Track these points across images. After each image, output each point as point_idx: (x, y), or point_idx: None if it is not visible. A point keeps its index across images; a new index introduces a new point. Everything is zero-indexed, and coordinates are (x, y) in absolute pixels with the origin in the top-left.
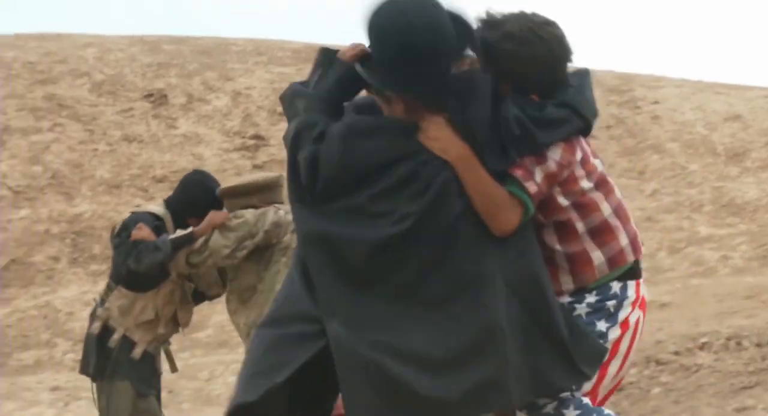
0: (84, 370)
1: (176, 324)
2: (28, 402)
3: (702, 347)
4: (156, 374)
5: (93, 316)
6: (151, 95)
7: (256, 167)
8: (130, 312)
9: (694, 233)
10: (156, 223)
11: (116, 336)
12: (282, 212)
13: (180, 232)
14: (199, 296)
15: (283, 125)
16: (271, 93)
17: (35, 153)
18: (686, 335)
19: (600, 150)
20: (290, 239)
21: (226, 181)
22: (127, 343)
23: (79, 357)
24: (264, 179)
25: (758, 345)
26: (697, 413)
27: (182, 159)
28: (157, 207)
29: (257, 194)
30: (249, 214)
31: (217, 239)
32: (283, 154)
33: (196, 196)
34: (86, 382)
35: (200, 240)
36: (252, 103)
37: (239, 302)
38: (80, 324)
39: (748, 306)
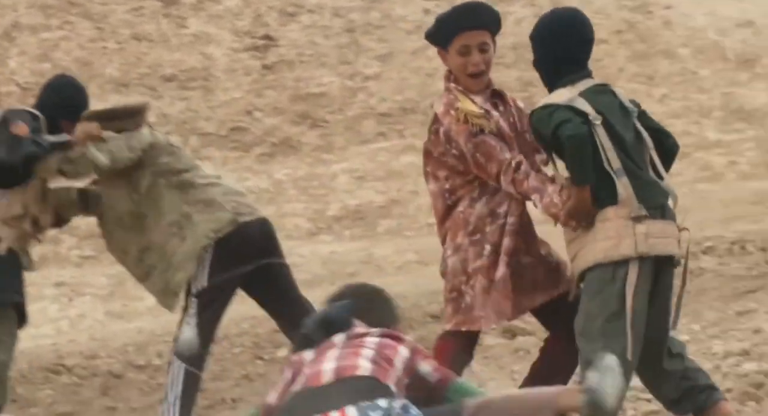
0: None
1: (40, 226)
2: (32, 297)
3: (706, 251)
4: (20, 276)
5: None
6: None
7: (266, 67)
8: None
9: (703, 139)
10: (34, 124)
11: None
12: (158, 133)
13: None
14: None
15: (294, 26)
16: None
17: (44, 51)
18: (691, 239)
19: (610, 55)
20: (164, 162)
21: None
22: None
23: (85, 253)
24: (134, 104)
25: (763, 250)
26: (699, 316)
27: (191, 59)
28: (33, 109)
29: (128, 118)
30: (124, 133)
31: (93, 151)
32: (292, 54)
33: (69, 96)
34: (91, 278)
35: (77, 149)
36: (263, 3)
37: (122, 230)
38: (86, 220)
39: (754, 211)
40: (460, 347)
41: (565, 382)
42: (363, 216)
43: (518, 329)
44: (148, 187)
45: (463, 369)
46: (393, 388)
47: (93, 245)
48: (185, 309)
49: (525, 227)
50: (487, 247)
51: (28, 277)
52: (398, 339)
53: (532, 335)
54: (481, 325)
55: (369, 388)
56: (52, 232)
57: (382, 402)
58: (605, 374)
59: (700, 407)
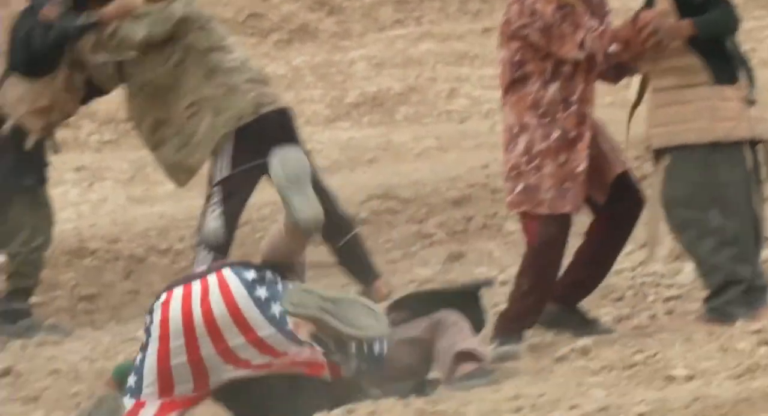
0: None
1: (66, 113)
2: (52, 182)
3: None
4: (44, 163)
5: None
6: None
7: None
8: (26, 98)
9: None
10: (64, 5)
11: (7, 125)
12: (194, 5)
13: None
14: (94, 91)
15: None
16: None
17: None
18: None
19: None
20: (194, 37)
21: None
22: (19, 133)
23: (105, 138)
24: None
25: None
26: None
27: None
28: None
29: None
30: (157, 5)
31: (128, 26)
32: None
33: None
34: (112, 162)
35: (110, 27)
36: None
37: (144, 97)
38: (105, 106)
39: None
40: (547, 229)
41: (610, 265)
42: (381, 103)
43: None
44: (177, 62)
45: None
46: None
47: (113, 130)
48: (208, 198)
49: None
50: (557, 132)
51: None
52: None
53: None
54: (545, 208)
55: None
56: (72, 117)
57: (255, 268)
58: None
59: (752, 304)
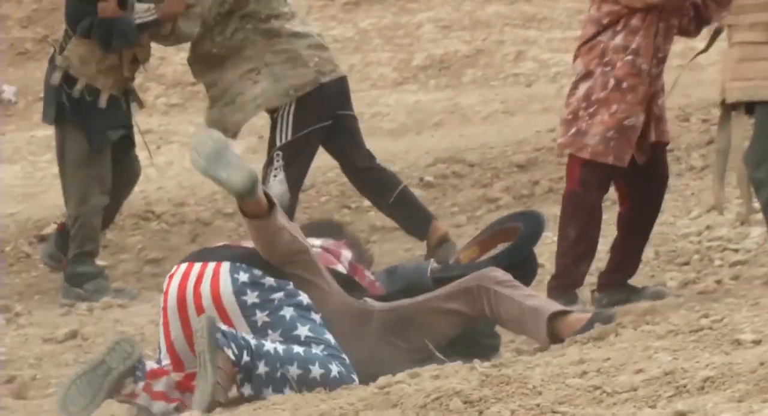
0: (45, 119)
1: (136, 62)
2: None
3: None
4: (126, 114)
5: (52, 64)
6: None
7: None
8: (91, 59)
9: None
10: None
11: (79, 86)
12: None
13: (143, 7)
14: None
15: None
16: None
17: None
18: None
19: None
20: (254, 7)
21: None
22: (92, 91)
23: (172, 101)
24: None
25: None
26: None
27: None
28: None
29: None
30: None
31: (183, 25)
32: None
33: None
34: (178, 126)
35: (167, 26)
36: None
37: (201, 65)
38: (172, 68)
39: None
40: (587, 175)
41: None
42: (448, 66)
43: None
44: (234, 30)
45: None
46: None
47: (180, 94)
48: (269, 163)
49: (658, 75)
50: (613, 81)
51: None
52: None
53: None
54: (587, 153)
55: (248, 257)
56: (137, 80)
57: (257, 271)
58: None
59: None
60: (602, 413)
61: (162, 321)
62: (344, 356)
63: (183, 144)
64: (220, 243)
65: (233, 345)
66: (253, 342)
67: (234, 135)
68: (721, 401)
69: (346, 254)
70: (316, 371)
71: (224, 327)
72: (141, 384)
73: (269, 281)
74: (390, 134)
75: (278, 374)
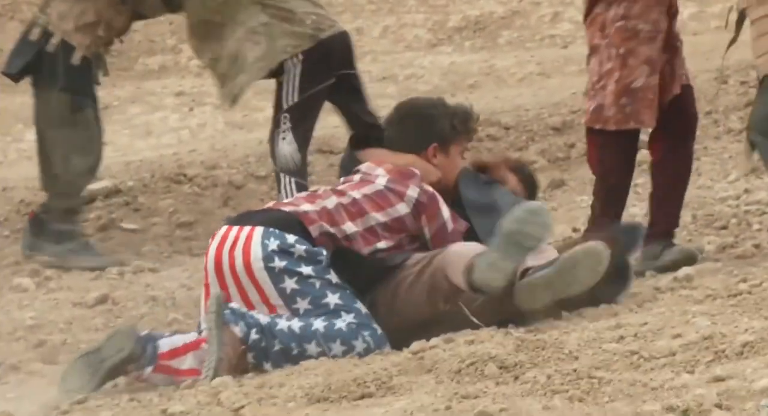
0: (10, 68)
1: (115, 30)
2: (152, 106)
3: None
4: (94, 80)
5: (32, 23)
6: None
7: None
8: (70, 15)
9: None
10: None
11: (55, 40)
12: None
13: None
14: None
15: None
16: None
17: None
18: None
19: None
20: None
21: None
22: (67, 48)
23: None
24: None
25: None
26: None
27: None
28: None
29: None
30: None
31: None
32: None
33: None
34: (211, 88)
35: None
36: None
37: (197, 39)
38: None
39: None
40: (610, 146)
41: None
42: (483, 27)
43: (641, 141)
44: None
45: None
46: (315, 232)
47: None
48: (277, 126)
49: (662, 35)
50: (613, 51)
51: (148, 87)
52: (400, 194)
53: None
54: (612, 125)
55: (286, 222)
56: (170, 41)
57: (290, 237)
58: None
59: None
60: (640, 378)
61: (203, 283)
62: (375, 326)
63: (216, 106)
64: (265, 206)
65: (241, 323)
66: (264, 320)
67: (237, 99)
68: (760, 366)
69: (413, 190)
70: (337, 348)
71: (234, 305)
72: (149, 369)
73: (299, 250)
74: (426, 96)
75: (295, 352)
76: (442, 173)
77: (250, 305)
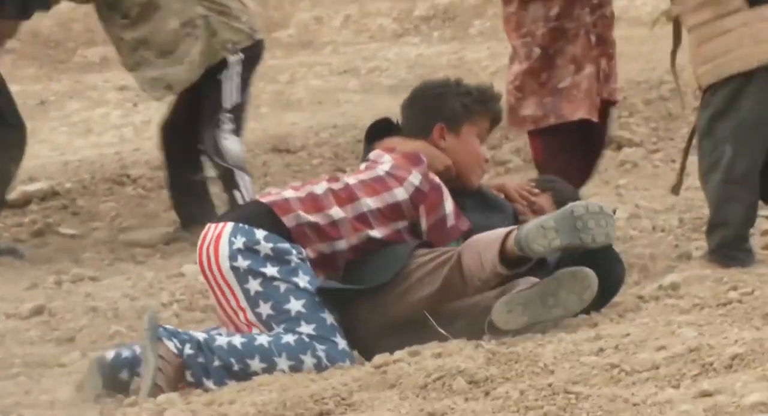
0: None
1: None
2: (93, 102)
3: None
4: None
5: None
6: None
7: None
8: None
9: None
10: None
11: None
12: None
13: None
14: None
15: None
16: None
17: None
18: None
19: None
20: None
21: None
22: None
23: None
24: None
25: None
26: None
27: None
28: None
29: None
30: None
31: None
32: None
33: None
34: None
35: None
36: None
37: (117, 17)
38: None
39: None
40: (547, 144)
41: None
42: (453, 16)
43: (624, 139)
44: None
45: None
46: (290, 223)
47: None
48: (216, 126)
49: (585, 30)
50: (536, 50)
51: (88, 81)
52: (399, 179)
53: (640, 146)
54: (528, 126)
55: (257, 216)
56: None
57: (259, 233)
58: (551, 221)
59: None
60: (620, 393)
61: None
62: (336, 340)
63: (163, 101)
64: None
65: (174, 339)
66: (201, 336)
67: (172, 91)
68: (750, 380)
69: (415, 176)
70: (282, 363)
71: (168, 326)
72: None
73: (266, 248)
74: (389, 91)
75: (236, 368)
76: (453, 156)
77: (229, 311)
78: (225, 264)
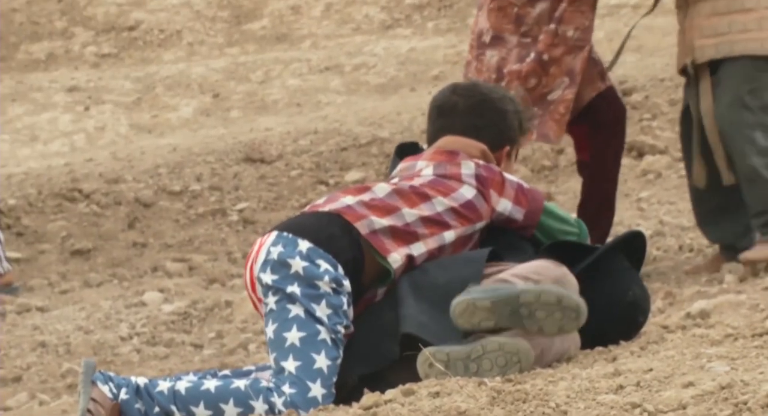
0: None
1: None
2: (39, 105)
3: None
4: None
5: None
6: None
7: None
8: None
9: None
10: None
11: None
12: None
13: None
14: None
15: None
16: None
17: None
18: None
19: None
20: None
21: None
22: None
23: (104, 50)
24: None
25: None
26: None
27: None
28: None
29: None
30: None
31: None
32: None
33: None
34: (111, 81)
35: None
36: None
37: None
38: (104, 9)
39: None
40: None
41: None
42: (450, 4)
43: (646, 145)
44: None
45: None
46: (364, 230)
47: (113, 41)
48: None
49: (590, 46)
50: (533, 54)
51: (33, 81)
52: (455, 176)
53: (664, 153)
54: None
55: (302, 226)
56: (60, 24)
57: (302, 244)
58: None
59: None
60: None
61: None
62: (312, 385)
63: (118, 105)
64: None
65: (110, 384)
66: (141, 381)
67: None
68: None
69: (466, 167)
70: (230, 410)
71: (107, 372)
72: None
73: (298, 265)
74: (377, 91)
75: (178, 415)
76: None
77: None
78: (256, 274)
